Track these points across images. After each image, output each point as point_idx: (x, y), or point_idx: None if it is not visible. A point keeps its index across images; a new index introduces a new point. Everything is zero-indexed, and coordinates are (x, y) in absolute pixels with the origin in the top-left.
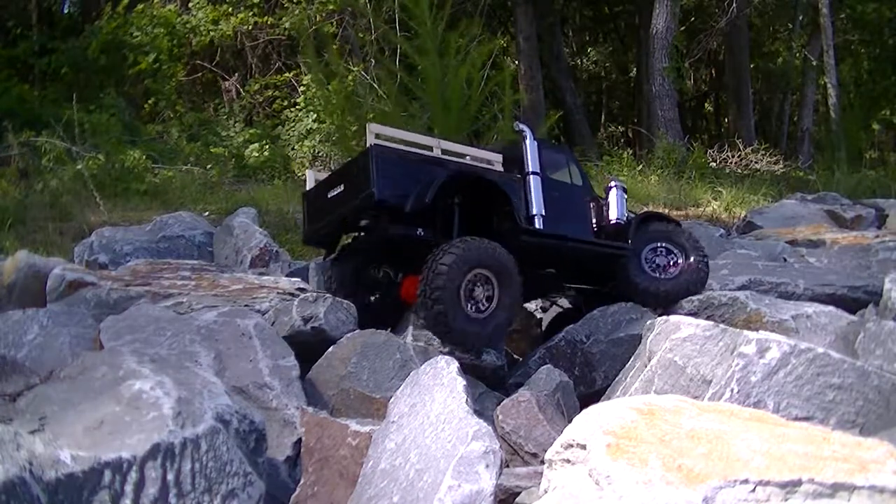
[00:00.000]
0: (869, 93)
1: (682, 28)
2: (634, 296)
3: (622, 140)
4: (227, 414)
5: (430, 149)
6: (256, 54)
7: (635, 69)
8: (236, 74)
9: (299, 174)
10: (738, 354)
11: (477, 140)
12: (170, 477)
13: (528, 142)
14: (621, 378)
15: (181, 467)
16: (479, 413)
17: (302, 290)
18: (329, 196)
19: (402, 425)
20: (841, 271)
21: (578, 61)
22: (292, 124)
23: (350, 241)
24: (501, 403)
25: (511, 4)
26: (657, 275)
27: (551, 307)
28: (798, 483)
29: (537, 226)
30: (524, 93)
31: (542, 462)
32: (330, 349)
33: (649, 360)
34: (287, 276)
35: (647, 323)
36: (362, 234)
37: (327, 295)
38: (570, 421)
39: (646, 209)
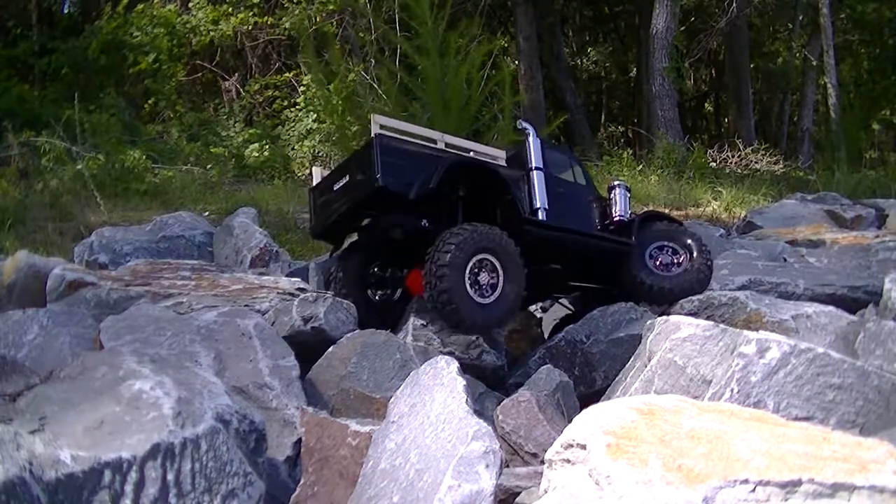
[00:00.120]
0: (869, 93)
1: (682, 28)
2: (637, 292)
3: (622, 140)
4: (227, 414)
5: (434, 142)
6: (256, 54)
7: (635, 69)
8: (236, 74)
9: (299, 174)
10: (738, 354)
11: (477, 140)
12: (170, 477)
13: (531, 138)
14: (621, 378)
15: (181, 467)
16: (479, 413)
17: (302, 290)
18: (335, 188)
19: (402, 425)
20: (841, 271)
21: (578, 61)
22: (292, 124)
23: (356, 237)
24: (501, 403)
25: (511, 4)
26: (661, 272)
27: (552, 306)
28: (798, 483)
29: (540, 218)
30: (524, 93)
31: (542, 462)
32: (330, 349)
33: (649, 360)
34: (287, 276)
35: (647, 323)
36: (367, 227)
37: (327, 295)
38: (570, 421)
39: (646, 209)
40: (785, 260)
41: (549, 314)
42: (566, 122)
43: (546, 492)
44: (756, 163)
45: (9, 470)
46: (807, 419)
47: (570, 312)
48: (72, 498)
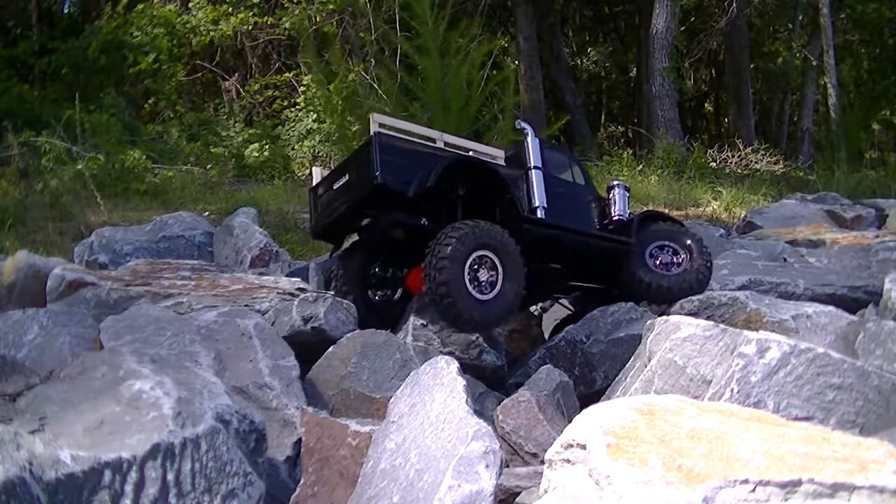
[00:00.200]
0: (869, 93)
1: (682, 28)
2: (637, 290)
3: (622, 140)
4: (227, 414)
5: (433, 141)
6: (256, 54)
7: (635, 69)
8: (236, 74)
9: (299, 174)
10: (738, 354)
11: (477, 140)
12: (170, 477)
13: (529, 138)
14: (621, 378)
15: (181, 467)
16: (479, 413)
17: (302, 290)
18: (335, 187)
19: (402, 425)
20: (841, 271)
21: (578, 61)
22: (292, 124)
23: (356, 238)
24: (501, 403)
25: (511, 4)
26: (661, 271)
27: (552, 306)
28: (798, 483)
29: (539, 217)
30: (524, 93)
31: (542, 462)
32: (330, 349)
33: (649, 360)
34: (287, 276)
35: (647, 323)
36: (367, 226)
37: (327, 295)
38: (570, 421)
39: (646, 209)
40: (785, 260)
41: (549, 314)
42: (566, 122)
43: (546, 492)
44: (756, 163)
45: (9, 470)
46: (807, 419)
47: (570, 312)
48: (72, 498)
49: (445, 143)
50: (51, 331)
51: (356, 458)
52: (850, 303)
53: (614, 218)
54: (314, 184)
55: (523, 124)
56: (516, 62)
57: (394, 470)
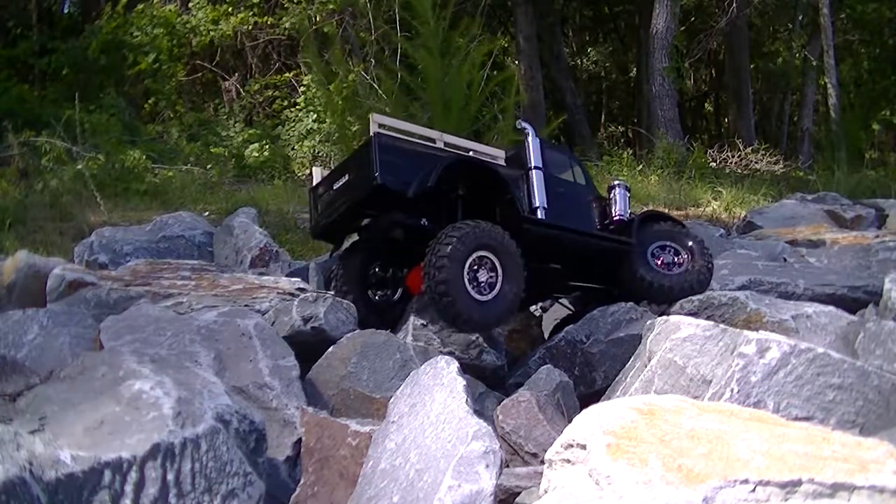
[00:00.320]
0: (869, 93)
1: (682, 28)
2: (638, 288)
3: (622, 140)
4: (227, 414)
5: (433, 141)
6: (256, 54)
7: (635, 69)
8: (236, 74)
9: (299, 174)
10: (738, 354)
11: (477, 140)
12: (170, 477)
13: (530, 138)
14: (621, 378)
15: (181, 467)
16: (479, 413)
17: (302, 290)
18: (335, 187)
19: (402, 425)
20: (841, 271)
21: (578, 61)
22: (292, 124)
23: (356, 238)
24: (501, 403)
25: (511, 4)
26: (662, 271)
27: (552, 306)
28: (798, 483)
29: (539, 217)
30: (524, 93)
31: (542, 462)
32: (330, 349)
33: (649, 360)
34: (287, 276)
35: (647, 323)
36: (367, 226)
37: (327, 295)
38: (570, 421)
39: (646, 209)
40: (785, 260)
41: (549, 314)
42: (566, 122)
43: (546, 492)
44: (756, 163)
45: (9, 470)
46: (807, 419)
47: (570, 312)
48: (72, 498)
49: (445, 144)
50: (51, 331)
51: (356, 458)
52: (850, 303)
53: (615, 218)
54: (314, 184)
55: (524, 124)
56: (516, 62)
57: (394, 470)
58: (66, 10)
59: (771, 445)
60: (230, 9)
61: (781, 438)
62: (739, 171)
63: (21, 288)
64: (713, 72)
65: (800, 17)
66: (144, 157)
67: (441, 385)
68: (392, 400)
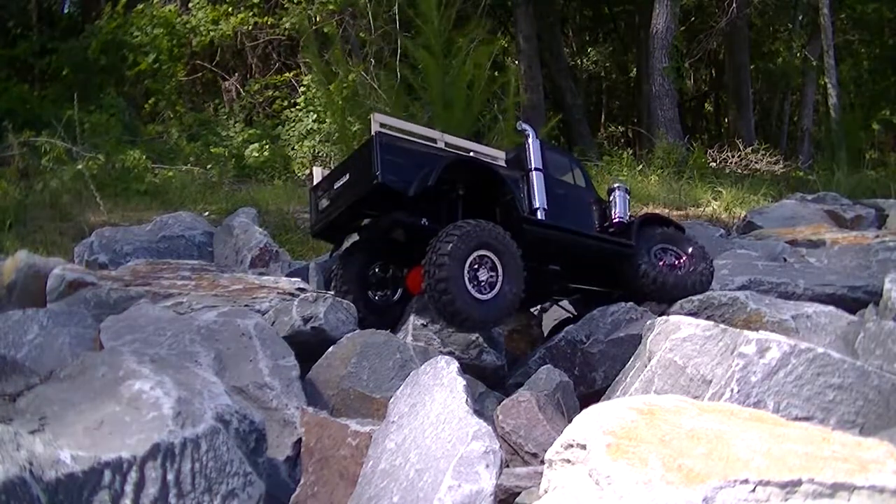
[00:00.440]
0: (869, 93)
1: (682, 28)
2: (640, 285)
3: (622, 140)
4: (227, 414)
5: (434, 141)
6: (256, 54)
7: (635, 69)
8: (236, 74)
9: (299, 174)
10: (738, 354)
11: (478, 140)
12: (170, 477)
13: (530, 140)
14: (621, 378)
15: (181, 467)
16: (479, 413)
17: (302, 290)
18: (335, 187)
19: (402, 425)
20: (841, 271)
21: (578, 61)
22: (292, 124)
23: (356, 238)
24: (501, 403)
25: (511, 4)
26: (665, 270)
27: (552, 307)
28: (798, 483)
29: (539, 218)
30: (524, 93)
31: (542, 462)
32: (330, 349)
33: (649, 360)
34: (287, 276)
35: (647, 323)
36: (368, 226)
37: (327, 295)
38: (570, 421)
39: (646, 209)
40: (785, 260)
41: (549, 314)
42: (566, 123)
43: (546, 492)
44: (756, 163)
45: (9, 470)
46: (807, 419)
47: (570, 315)
48: (72, 498)
49: (446, 144)
50: (51, 331)
51: (356, 458)
52: (850, 303)
53: (615, 220)
54: (314, 184)
55: (524, 126)
56: (516, 62)
57: (394, 470)
58: (66, 10)
59: (771, 445)
60: (230, 9)
61: (781, 438)
62: (739, 171)
63: (21, 288)
64: (713, 72)
65: (800, 17)
66: (144, 157)
67: (441, 385)
68: (392, 400)
